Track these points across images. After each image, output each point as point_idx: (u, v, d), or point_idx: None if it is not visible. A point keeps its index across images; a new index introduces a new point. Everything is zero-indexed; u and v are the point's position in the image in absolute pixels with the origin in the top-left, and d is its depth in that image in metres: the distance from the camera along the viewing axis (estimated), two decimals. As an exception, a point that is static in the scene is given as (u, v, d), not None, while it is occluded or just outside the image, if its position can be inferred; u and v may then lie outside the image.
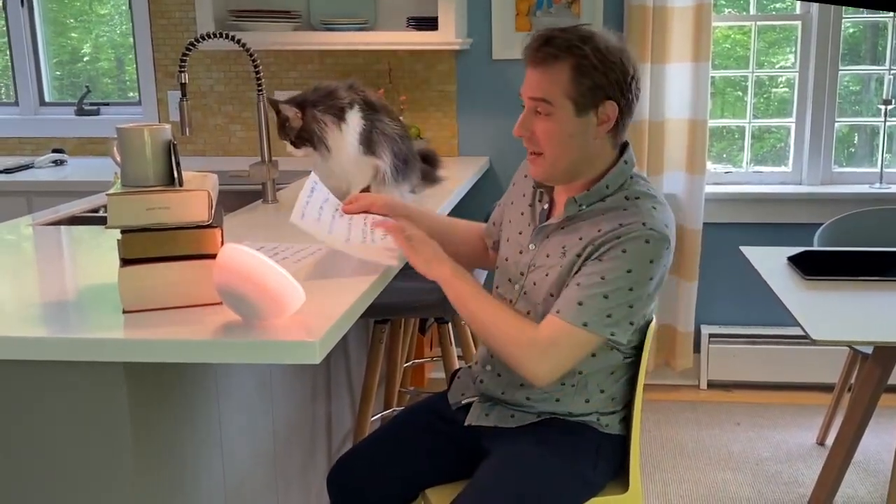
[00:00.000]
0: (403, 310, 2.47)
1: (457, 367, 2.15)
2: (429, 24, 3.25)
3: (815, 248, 2.79)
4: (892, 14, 3.49)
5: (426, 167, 2.64)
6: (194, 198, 1.48)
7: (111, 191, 1.46)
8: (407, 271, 2.28)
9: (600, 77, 1.60)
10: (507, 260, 1.84)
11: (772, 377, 3.61)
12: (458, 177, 3.03)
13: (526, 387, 1.77)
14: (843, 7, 3.45)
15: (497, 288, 1.87)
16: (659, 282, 1.67)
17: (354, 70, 3.51)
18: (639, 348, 1.77)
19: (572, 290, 1.63)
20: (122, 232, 1.47)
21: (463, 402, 1.90)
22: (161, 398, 1.55)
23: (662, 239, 1.62)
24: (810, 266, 2.41)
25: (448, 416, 1.91)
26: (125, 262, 1.46)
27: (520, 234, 1.83)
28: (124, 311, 1.47)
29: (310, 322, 1.44)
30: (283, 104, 2.27)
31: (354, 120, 2.26)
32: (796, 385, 3.60)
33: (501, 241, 1.90)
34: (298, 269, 1.79)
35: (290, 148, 2.32)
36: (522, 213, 1.84)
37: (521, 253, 1.80)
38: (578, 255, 1.66)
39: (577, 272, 1.65)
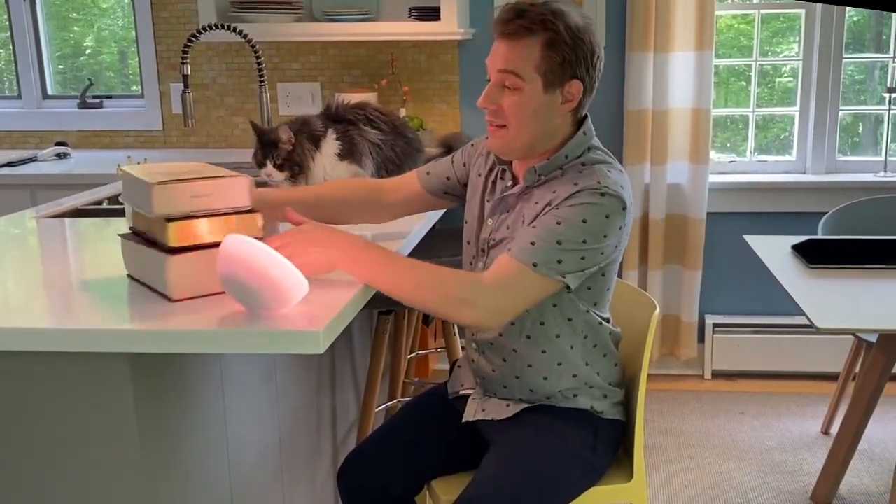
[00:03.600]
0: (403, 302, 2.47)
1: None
2: (431, 14, 3.25)
3: (820, 236, 2.79)
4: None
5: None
6: (236, 184, 1.54)
7: (154, 180, 1.46)
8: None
9: (570, 54, 1.61)
10: (468, 243, 1.86)
11: (776, 366, 3.61)
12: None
13: (510, 361, 1.77)
14: (846, 7, 3.44)
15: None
16: (616, 245, 1.65)
17: (357, 61, 3.51)
18: (608, 320, 1.80)
19: (527, 232, 1.63)
20: (168, 220, 1.47)
21: (461, 393, 1.91)
22: (166, 389, 1.55)
23: (617, 197, 1.61)
24: (814, 255, 2.40)
25: (449, 406, 1.92)
26: (173, 250, 1.47)
27: (478, 211, 1.83)
28: (172, 300, 1.48)
29: (314, 312, 1.44)
30: (279, 127, 2.30)
31: (330, 143, 2.33)
32: (801, 374, 3.59)
33: (464, 225, 1.88)
34: (304, 261, 1.79)
35: (269, 169, 2.31)
36: (481, 191, 1.83)
37: (480, 229, 1.81)
38: (536, 216, 1.67)
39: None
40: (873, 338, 2.55)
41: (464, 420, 1.85)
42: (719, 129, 3.73)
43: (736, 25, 3.67)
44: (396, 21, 3.36)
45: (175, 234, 1.48)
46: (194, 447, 1.65)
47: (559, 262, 1.59)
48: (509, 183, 1.77)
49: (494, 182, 1.81)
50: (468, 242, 1.86)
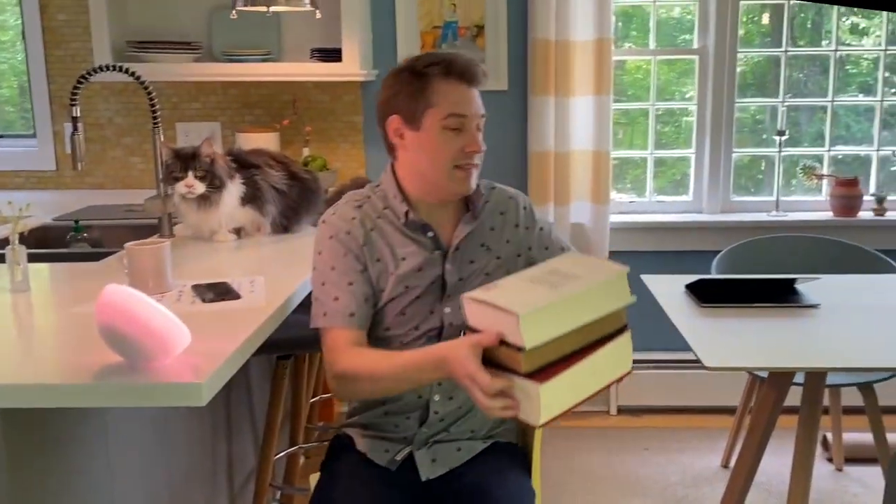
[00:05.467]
0: (306, 345, 2.43)
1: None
2: (333, 55, 3.24)
3: (711, 276, 2.86)
4: (783, 49, 3.63)
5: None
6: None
7: (521, 313, 1.37)
8: (302, 306, 2.26)
9: None
10: (406, 317, 1.77)
11: (679, 401, 3.68)
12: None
13: (469, 408, 1.81)
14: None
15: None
16: None
17: (259, 100, 3.48)
18: None
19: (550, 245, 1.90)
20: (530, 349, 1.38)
21: (399, 459, 1.80)
22: (44, 444, 1.48)
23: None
24: (706, 294, 2.46)
25: (386, 480, 1.79)
26: (532, 375, 1.39)
27: (419, 272, 1.76)
28: (541, 426, 1.42)
29: (197, 363, 1.40)
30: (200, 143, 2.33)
31: (236, 186, 2.39)
32: (703, 409, 3.66)
33: (389, 310, 1.76)
34: (195, 309, 1.75)
35: (189, 180, 2.30)
36: (404, 259, 1.76)
37: (432, 284, 1.76)
38: (516, 226, 1.85)
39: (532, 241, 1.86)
40: (766, 374, 2.61)
41: (424, 479, 1.78)
42: (630, 167, 3.81)
43: (644, 67, 3.77)
44: (298, 62, 3.34)
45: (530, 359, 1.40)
46: (72, 506, 1.57)
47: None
48: (431, 234, 1.78)
49: (416, 242, 1.77)
50: (416, 297, 1.76)
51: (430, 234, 1.78)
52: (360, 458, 1.82)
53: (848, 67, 3.74)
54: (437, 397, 1.79)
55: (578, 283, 1.45)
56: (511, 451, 1.87)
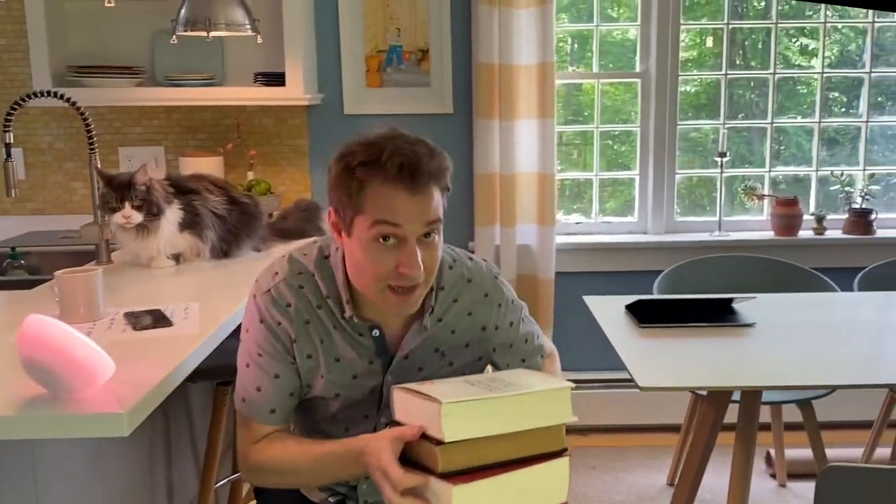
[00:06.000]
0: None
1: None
2: (277, 79, 3.25)
3: (650, 296, 2.89)
4: (724, 72, 3.70)
5: (302, 222, 2.76)
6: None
7: (444, 401, 1.28)
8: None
9: (447, 185, 1.52)
10: (337, 419, 1.65)
11: (626, 420, 3.70)
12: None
13: None
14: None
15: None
16: None
17: (202, 125, 3.46)
18: None
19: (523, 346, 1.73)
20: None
21: (333, 502, 1.70)
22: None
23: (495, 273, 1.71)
24: (645, 314, 2.49)
25: None
26: (448, 476, 1.29)
27: (354, 380, 1.59)
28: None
29: (120, 393, 1.39)
30: (134, 171, 2.33)
31: (174, 212, 2.38)
32: (650, 427, 3.69)
33: (319, 407, 1.63)
34: (125, 337, 1.73)
35: (126, 211, 2.28)
36: (338, 361, 1.57)
37: (369, 393, 1.61)
38: (483, 329, 1.64)
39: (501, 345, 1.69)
40: (705, 391, 2.65)
41: None
42: (587, 187, 3.85)
43: (602, 86, 3.81)
44: (242, 86, 3.33)
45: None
46: (-5, 541, 1.54)
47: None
48: (376, 333, 1.57)
49: (352, 345, 1.58)
50: (350, 405, 1.62)
51: (376, 332, 1.57)
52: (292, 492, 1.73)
53: (799, 88, 3.82)
54: (364, 486, 1.66)
55: (514, 389, 1.36)
56: None
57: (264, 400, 1.56)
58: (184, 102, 3.29)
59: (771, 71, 3.74)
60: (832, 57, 3.80)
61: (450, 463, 1.29)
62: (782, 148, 3.88)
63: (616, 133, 3.81)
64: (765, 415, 3.13)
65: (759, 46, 3.78)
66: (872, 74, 3.74)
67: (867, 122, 3.78)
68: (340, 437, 1.54)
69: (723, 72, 3.73)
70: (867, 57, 3.74)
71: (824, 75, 3.75)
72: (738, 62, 3.80)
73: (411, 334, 1.58)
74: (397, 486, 1.30)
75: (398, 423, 1.38)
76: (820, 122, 3.78)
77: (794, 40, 3.80)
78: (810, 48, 3.82)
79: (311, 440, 1.59)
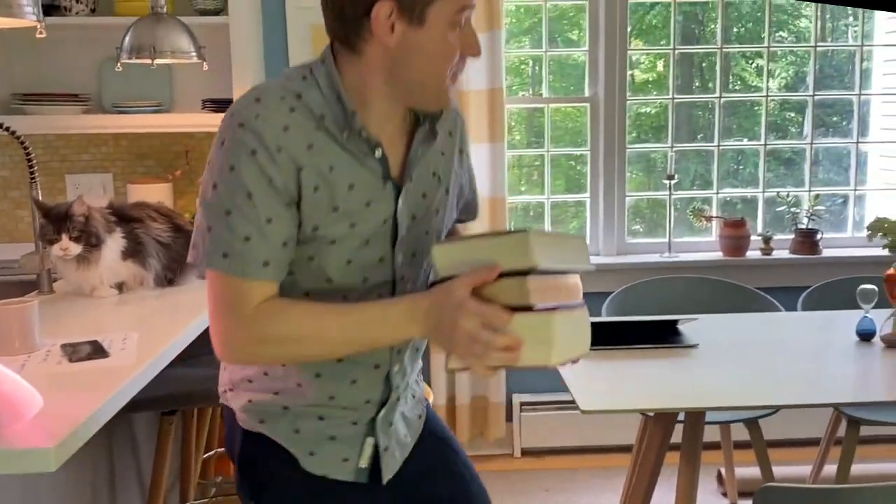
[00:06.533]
0: (193, 400, 2.39)
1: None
2: (225, 105, 3.23)
3: (598, 318, 2.92)
4: (671, 96, 3.76)
5: None
6: None
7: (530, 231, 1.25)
8: (190, 358, 2.23)
9: None
10: (353, 266, 1.40)
11: (579, 441, 3.71)
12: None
13: (413, 354, 1.54)
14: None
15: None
16: None
17: (151, 151, 3.45)
18: None
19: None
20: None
21: (365, 466, 1.49)
22: None
23: None
24: (592, 336, 2.50)
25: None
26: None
27: (368, 207, 1.38)
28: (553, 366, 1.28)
29: (49, 427, 1.37)
30: (72, 201, 2.29)
31: (116, 240, 2.35)
32: (603, 448, 3.70)
33: (331, 256, 1.38)
34: (60, 369, 1.71)
35: (64, 243, 2.26)
36: (352, 188, 1.36)
37: (383, 224, 1.40)
38: (461, 151, 1.54)
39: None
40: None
41: (385, 481, 1.50)
42: (537, 210, 3.88)
43: (563, 110, 3.85)
44: (190, 112, 3.32)
45: None
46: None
47: None
48: (379, 153, 1.38)
49: (363, 166, 1.37)
50: (365, 241, 1.39)
51: (379, 153, 1.38)
52: (300, 482, 1.46)
53: (757, 108, 3.89)
54: (396, 368, 1.48)
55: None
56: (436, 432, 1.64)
57: (255, 251, 1.29)
58: (131, 130, 3.27)
59: (717, 95, 3.80)
60: (787, 78, 3.88)
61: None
62: (741, 167, 3.94)
63: (578, 154, 3.85)
64: (715, 434, 3.17)
65: (717, 68, 3.85)
66: (816, 97, 3.83)
67: (811, 143, 3.86)
68: (358, 291, 1.39)
69: (670, 96, 3.79)
70: (810, 80, 3.83)
71: (769, 98, 3.82)
72: (696, 83, 3.86)
73: (416, 146, 1.41)
74: (503, 323, 1.22)
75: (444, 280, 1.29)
76: (766, 145, 3.85)
77: (750, 62, 3.88)
78: (763, 69, 3.90)
79: (336, 304, 1.36)
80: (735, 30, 3.77)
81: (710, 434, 3.15)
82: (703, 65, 3.87)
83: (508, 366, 1.25)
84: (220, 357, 1.36)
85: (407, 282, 1.44)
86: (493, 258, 1.25)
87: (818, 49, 3.80)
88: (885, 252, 2.55)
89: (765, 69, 3.81)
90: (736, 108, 3.85)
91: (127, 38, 2.80)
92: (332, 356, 1.39)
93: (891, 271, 2.49)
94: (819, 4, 3.68)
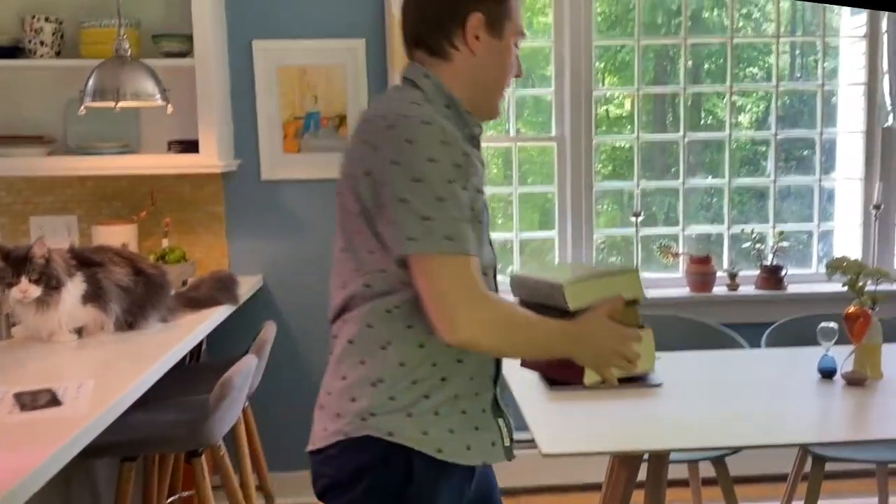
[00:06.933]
0: (152, 445, 2.37)
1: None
2: (192, 146, 3.24)
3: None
4: (636, 135, 3.81)
5: (215, 291, 2.82)
6: None
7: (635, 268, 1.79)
8: (152, 402, 2.21)
9: None
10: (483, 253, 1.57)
11: (555, 480, 3.69)
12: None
13: None
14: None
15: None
16: None
17: (116, 193, 3.43)
18: None
19: None
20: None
21: (510, 444, 1.68)
22: None
23: None
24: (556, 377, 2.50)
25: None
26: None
27: (481, 195, 1.57)
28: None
29: (-5, 480, 1.34)
30: (32, 243, 2.29)
31: (77, 285, 2.35)
32: (575, 486, 3.68)
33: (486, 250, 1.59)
34: (11, 419, 1.68)
35: (23, 286, 2.25)
36: (479, 191, 1.56)
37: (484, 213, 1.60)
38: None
39: None
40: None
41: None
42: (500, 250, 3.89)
43: (527, 148, 3.89)
44: (157, 154, 3.32)
45: None
46: None
47: None
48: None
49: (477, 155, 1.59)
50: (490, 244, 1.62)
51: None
52: (450, 476, 1.53)
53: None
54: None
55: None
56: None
57: (467, 230, 1.44)
58: (96, 172, 3.26)
59: (681, 134, 3.85)
60: (758, 113, 3.93)
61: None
62: (714, 200, 3.98)
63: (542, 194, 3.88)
64: (684, 471, 3.17)
65: (681, 109, 3.90)
66: (778, 136, 3.88)
67: (774, 181, 3.91)
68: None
69: (635, 135, 3.83)
70: (772, 120, 3.88)
71: (731, 137, 3.87)
72: (669, 117, 3.91)
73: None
74: (639, 340, 1.59)
75: (570, 313, 1.60)
76: (729, 182, 3.89)
77: (721, 98, 3.95)
78: (738, 104, 3.96)
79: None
80: (706, 66, 3.83)
81: (679, 471, 3.15)
82: (676, 101, 3.92)
83: (628, 374, 1.64)
84: (445, 336, 1.43)
85: (493, 269, 1.62)
86: (614, 292, 1.62)
87: (785, 87, 3.86)
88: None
89: (727, 110, 3.86)
90: (707, 142, 3.90)
91: (91, 81, 2.79)
92: (522, 354, 1.69)
93: (850, 309, 2.52)
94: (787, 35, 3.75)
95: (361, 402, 1.47)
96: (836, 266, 2.57)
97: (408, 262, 1.43)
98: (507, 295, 1.60)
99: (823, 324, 2.53)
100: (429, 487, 1.49)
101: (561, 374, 1.76)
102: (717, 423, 2.19)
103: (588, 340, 1.55)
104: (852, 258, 2.58)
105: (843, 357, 2.48)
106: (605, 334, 1.55)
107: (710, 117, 3.91)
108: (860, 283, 2.56)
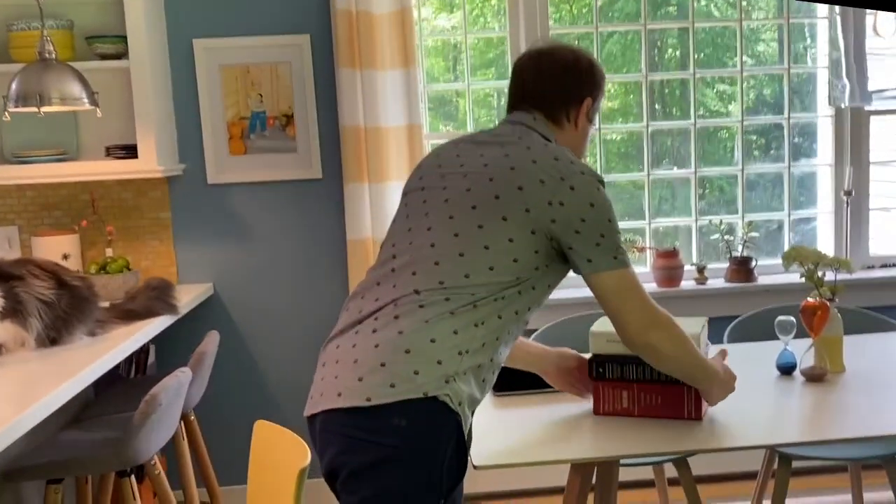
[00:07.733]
0: (71, 467, 2.25)
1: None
2: (132, 151, 3.13)
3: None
4: (598, 127, 3.70)
5: (151, 301, 2.72)
6: None
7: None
8: (86, 420, 2.10)
9: None
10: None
11: (519, 485, 3.60)
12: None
13: None
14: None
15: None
16: None
17: (58, 201, 3.32)
18: None
19: None
20: None
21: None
22: None
23: None
24: (503, 380, 2.39)
25: None
26: None
27: None
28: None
29: None
30: None
31: None
32: (541, 490, 3.59)
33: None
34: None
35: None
36: None
37: None
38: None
39: None
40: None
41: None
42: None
43: None
44: (95, 160, 3.21)
45: None
46: None
47: None
48: None
49: None
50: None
51: None
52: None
53: (721, 133, 3.86)
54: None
55: None
56: None
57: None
58: (33, 180, 3.14)
59: (644, 124, 3.74)
60: (749, 101, 3.82)
61: None
62: (707, 191, 3.89)
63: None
64: (650, 472, 3.07)
65: (678, 94, 3.79)
66: (746, 123, 3.78)
67: (742, 169, 3.81)
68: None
69: (597, 126, 3.73)
70: (737, 108, 3.78)
71: (696, 126, 3.77)
72: (657, 108, 3.81)
73: None
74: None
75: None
76: (696, 173, 3.79)
77: (711, 87, 3.85)
78: (727, 94, 3.85)
79: None
80: (695, 56, 3.72)
81: (645, 472, 3.05)
82: (666, 91, 3.82)
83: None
84: (631, 339, 1.88)
85: None
86: None
87: (749, 72, 3.76)
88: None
89: (691, 98, 3.75)
90: (700, 132, 3.80)
91: (13, 86, 2.68)
92: (683, 370, 1.99)
93: (807, 301, 2.41)
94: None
95: (447, 367, 1.67)
96: (793, 256, 2.46)
97: (593, 278, 1.82)
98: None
99: (781, 317, 2.43)
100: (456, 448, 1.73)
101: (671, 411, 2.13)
102: (669, 427, 2.08)
103: (723, 379, 2.05)
104: (810, 248, 2.48)
105: (801, 351, 2.38)
106: (729, 376, 2.07)
107: (701, 108, 3.81)
108: (819, 274, 2.45)
